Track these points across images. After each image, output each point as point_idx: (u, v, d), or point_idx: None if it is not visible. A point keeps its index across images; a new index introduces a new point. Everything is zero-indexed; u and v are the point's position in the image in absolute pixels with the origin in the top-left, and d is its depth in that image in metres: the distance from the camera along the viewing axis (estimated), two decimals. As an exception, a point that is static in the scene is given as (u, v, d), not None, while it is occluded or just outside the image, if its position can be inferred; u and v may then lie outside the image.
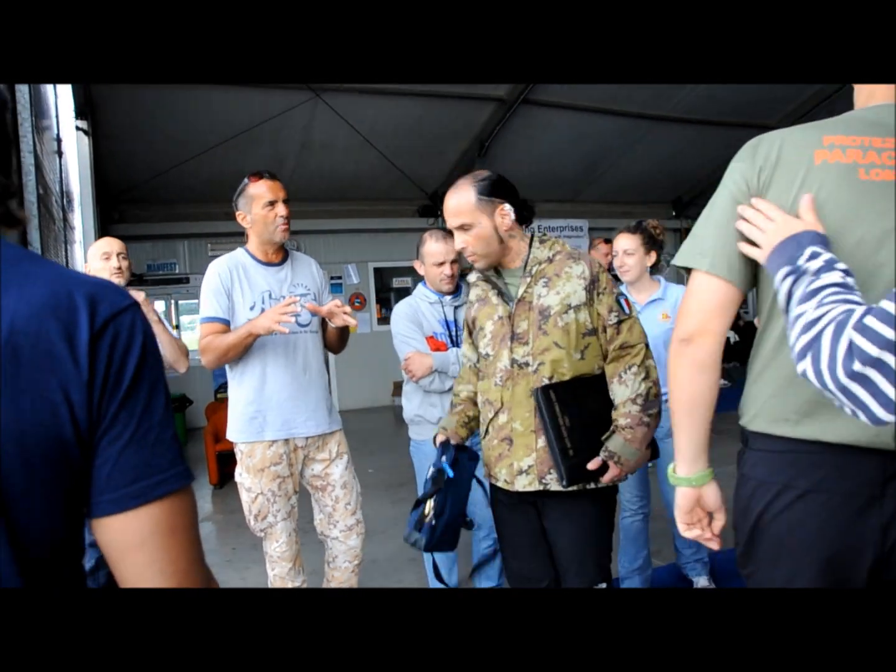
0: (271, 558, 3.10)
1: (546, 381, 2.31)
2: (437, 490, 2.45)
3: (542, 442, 2.33)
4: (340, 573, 3.22)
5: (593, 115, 9.72)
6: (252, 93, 8.12)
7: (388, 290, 12.08)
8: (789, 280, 1.30)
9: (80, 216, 8.04)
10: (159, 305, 10.65)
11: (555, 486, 2.33)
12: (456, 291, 3.40)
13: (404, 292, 12.18)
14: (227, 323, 2.95)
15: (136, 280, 9.93)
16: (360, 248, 11.43)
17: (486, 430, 2.49)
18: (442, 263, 3.28)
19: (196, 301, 11.23)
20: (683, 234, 12.80)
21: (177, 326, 11.31)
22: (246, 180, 3.00)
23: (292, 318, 2.81)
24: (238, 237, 11.46)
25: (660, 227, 3.56)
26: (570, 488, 2.32)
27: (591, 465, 2.30)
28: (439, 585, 3.60)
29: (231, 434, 3.07)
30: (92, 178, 7.81)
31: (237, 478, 3.09)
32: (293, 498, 3.10)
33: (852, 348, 1.06)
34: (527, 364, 2.35)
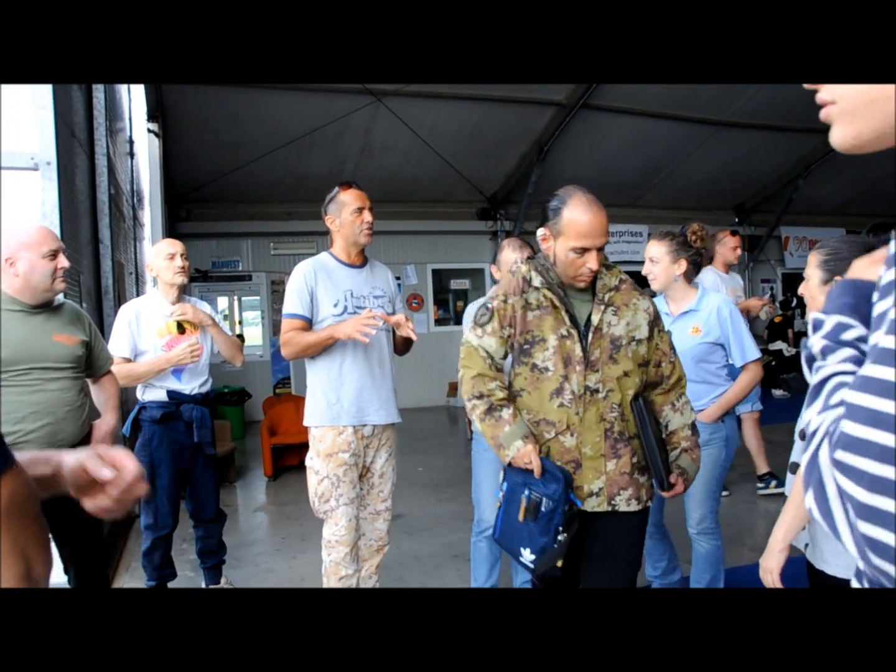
0: (329, 543, 3.24)
1: (616, 408, 2.39)
2: (573, 528, 2.33)
3: (611, 465, 2.40)
4: (364, 550, 3.42)
5: (653, 119, 9.68)
6: (314, 97, 8.33)
7: (446, 291, 12.19)
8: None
9: (150, 214, 8.37)
10: (222, 301, 10.98)
11: (623, 507, 2.43)
12: None
13: (462, 294, 12.28)
14: (307, 321, 3.19)
15: (201, 277, 10.27)
16: (418, 249, 11.58)
17: (548, 449, 2.42)
18: None
19: (258, 298, 11.55)
20: (745, 241, 12.59)
21: (240, 322, 11.64)
22: (337, 189, 3.26)
23: (373, 330, 3.03)
24: (299, 236, 11.68)
25: (701, 232, 3.49)
26: (637, 507, 2.44)
27: (673, 479, 2.43)
28: (480, 585, 3.71)
29: (307, 419, 3.28)
30: (161, 178, 8.12)
31: (307, 461, 3.27)
32: (358, 486, 3.27)
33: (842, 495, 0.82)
34: (597, 391, 2.38)
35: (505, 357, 2.50)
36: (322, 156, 9.48)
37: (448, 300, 12.22)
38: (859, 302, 1.03)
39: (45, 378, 2.72)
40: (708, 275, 5.09)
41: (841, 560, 1.95)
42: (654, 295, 3.32)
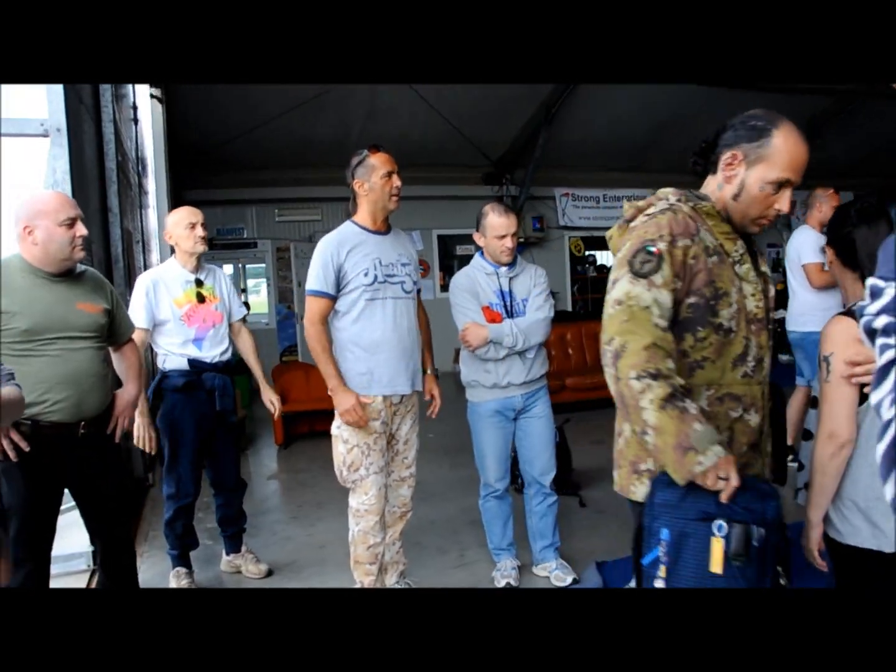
0: (357, 513, 3.24)
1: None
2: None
3: (769, 446, 2.05)
4: (388, 516, 3.43)
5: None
6: (320, 60, 8.21)
7: (452, 257, 12.13)
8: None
9: (154, 182, 8.28)
10: (227, 268, 10.93)
11: None
12: (512, 263, 3.57)
13: (467, 260, 12.18)
14: (332, 297, 3.16)
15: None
16: (424, 215, 11.45)
17: (730, 432, 1.92)
18: (504, 236, 3.47)
19: (263, 265, 11.50)
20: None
21: (244, 290, 11.60)
22: (365, 151, 3.19)
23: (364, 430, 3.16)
24: (304, 203, 11.58)
25: None
26: None
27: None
28: (499, 550, 3.73)
29: None
30: (165, 145, 8.02)
31: (334, 430, 3.27)
32: (386, 455, 3.28)
33: None
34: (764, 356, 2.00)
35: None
36: (327, 121, 9.37)
37: (454, 266, 12.15)
38: None
39: (71, 348, 2.69)
40: (809, 234, 4.77)
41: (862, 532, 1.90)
42: None
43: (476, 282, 3.56)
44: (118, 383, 3.06)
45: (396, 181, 3.20)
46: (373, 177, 3.17)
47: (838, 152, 12.00)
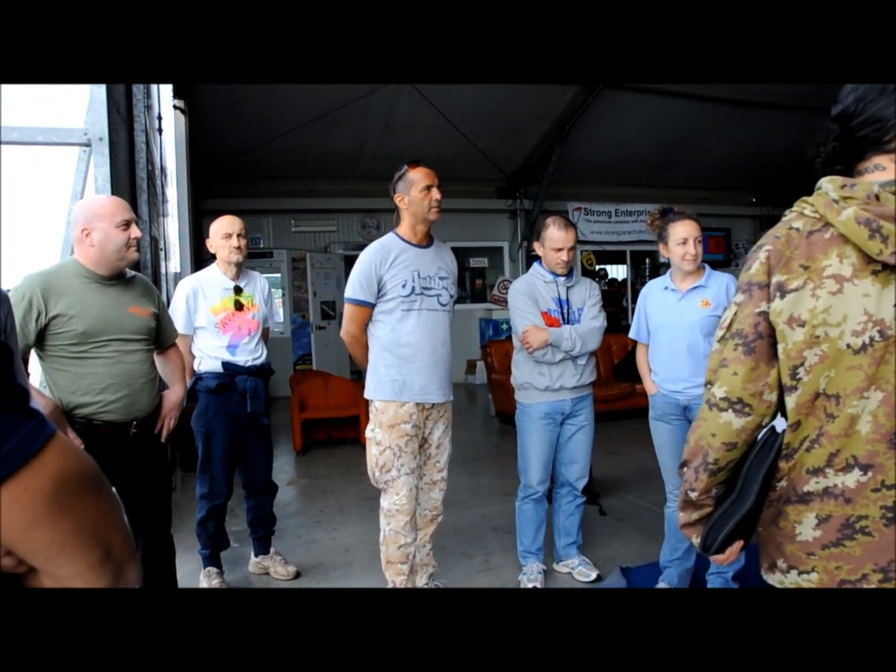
0: (388, 513, 3.33)
1: None
2: None
3: None
4: (419, 519, 3.52)
5: (674, 98, 9.64)
6: (340, 74, 8.33)
7: (464, 269, 12.19)
8: None
9: (176, 190, 8.40)
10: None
11: None
12: (569, 274, 3.74)
13: (479, 272, 12.32)
14: (371, 306, 3.29)
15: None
16: (437, 227, 11.49)
17: None
18: (560, 249, 3.63)
19: (278, 275, 11.59)
20: (763, 221, 12.60)
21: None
22: (405, 167, 3.34)
23: None
24: (320, 214, 11.66)
25: (664, 215, 3.47)
26: None
27: None
28: (527, 553, 3.82)
29: (369, 392, 3.37)
30: (187, 155, 8.14)
31: (368, 433, 3.35)
32: (419, 457, 3.37)
33: None
34: None
35: None
36: (344, 134, 9.49)
37: (465, 278, 12.25)
38: None
39: (123, 350, 2.79)
40: None
41: None
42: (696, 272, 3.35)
43: (535, 288, 3.73)
44: (162, 385, 3.15)
45: (436, 194, 3.31)
46: (412, 191, 3.30)
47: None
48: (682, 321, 3.30)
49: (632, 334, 3.61)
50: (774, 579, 1.48)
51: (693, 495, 1.55)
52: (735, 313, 1.44)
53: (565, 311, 3.71)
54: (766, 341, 1.41)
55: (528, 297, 3.70)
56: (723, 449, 1.46)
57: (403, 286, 3.26)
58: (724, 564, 1.66)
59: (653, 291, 3.50)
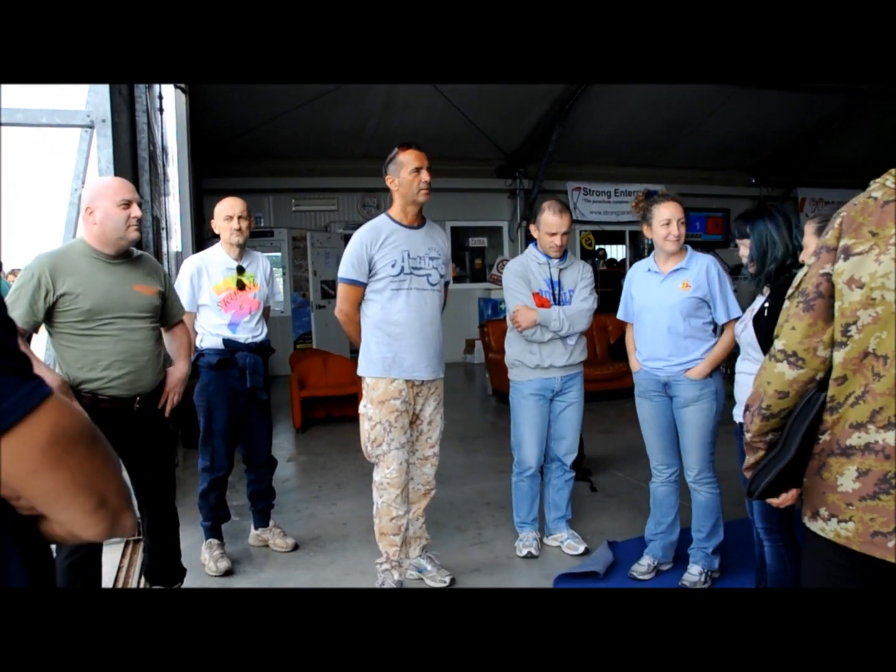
0: (380, 485, 3.45)
1: None
2: None
3: None
4: (412, 493, 3.63)
5: (674, 79, 9.66)
6: (340, 53, 8.33)
7: (464, 249, 12.28)
8: None
9: (177, 170, 8.44)
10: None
11: None
12: (562, 256, 3.86)
13: (479, 252, 12.37)
14: (362, 285, 3.40)
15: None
16: (437, 207, 11.50)
17: None
18: (554, 234, 3.76)
19: (279, 254, 11.64)
20: (762, 202, 12.60)
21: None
22: (396, 149, 3.42)
23: None
24: (320, 193, 11.62)
25: (649, 197, 3.59)
26: None
27: None
28: (523, 524, 3.96)
29: (361, 369, 3.48)
30: (188, 135, 8.18)
31: (361, 409, 3.48)
32: (409, 432, 3.48)
33: None
34: None
35: None
36: (345, 113, 9.52)
37: (465, 258, 12.32)
38: None
39: (128, 328, 2.89)
40: None
41: None
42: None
43: (528, 269, 3.86)
44: (167, 361, 3.25)
45: (425, 176, 3.38)
46: (402, 173, 3.37)
47: (850, 152, 12.10)
48: (664, 303, 3.39)
49: (619, 315, 3.71)
50: (816, 526, 1.58)
51: (748, 436, 1.72)
52: (805, 274, 1.57)
53: (556, 292, 3.83)
54: (826, 301, 1.52)
55: (521, 277, 3.82)
56: (775, 396, 1.60)
57: (393, 266, 3.36)
58: (782, 507, 1.81)
59: (637, 273, 3.60)
